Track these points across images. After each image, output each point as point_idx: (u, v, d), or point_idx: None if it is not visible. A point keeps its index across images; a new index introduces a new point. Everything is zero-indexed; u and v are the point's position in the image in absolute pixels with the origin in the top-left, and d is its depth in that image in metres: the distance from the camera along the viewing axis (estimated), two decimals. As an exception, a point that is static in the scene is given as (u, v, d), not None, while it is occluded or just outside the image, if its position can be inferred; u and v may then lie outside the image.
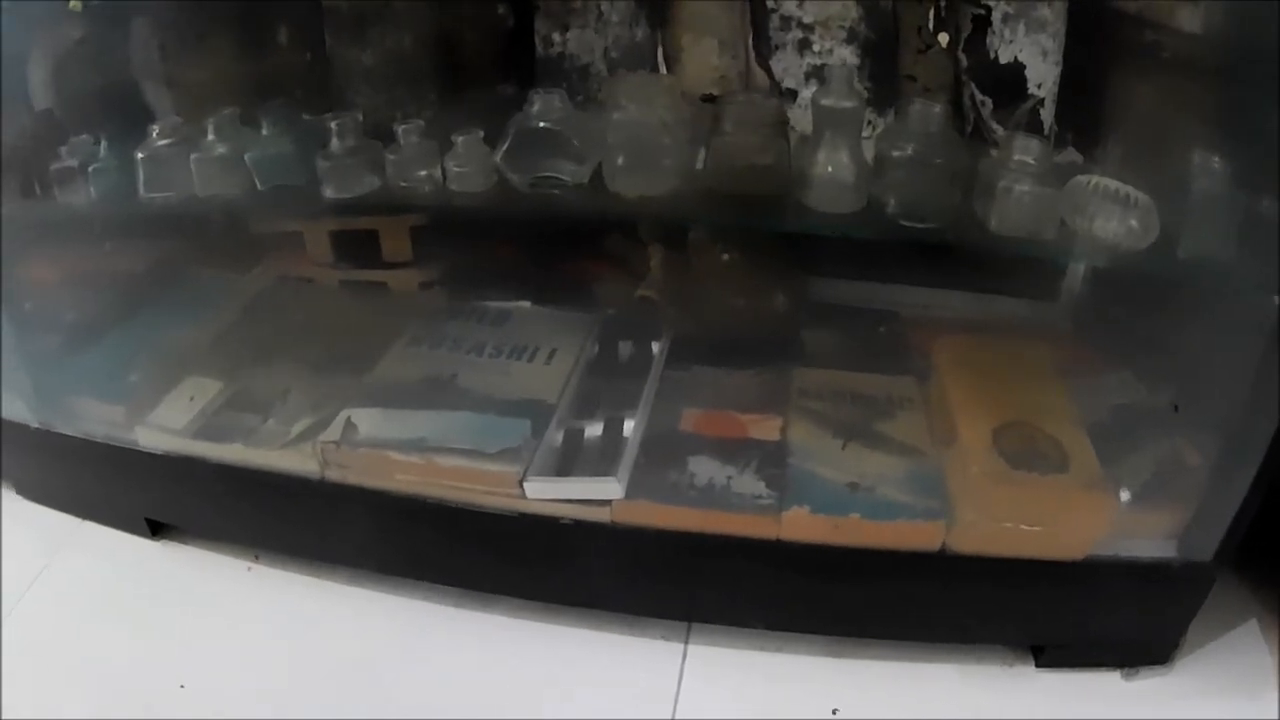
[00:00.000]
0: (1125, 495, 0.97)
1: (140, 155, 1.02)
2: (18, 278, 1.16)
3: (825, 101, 0.88)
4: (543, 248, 1.22)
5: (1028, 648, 1.02)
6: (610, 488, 1.00)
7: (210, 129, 1.01)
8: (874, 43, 0.98)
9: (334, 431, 1.07)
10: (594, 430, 1.08)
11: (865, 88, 0.97)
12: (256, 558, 1.16)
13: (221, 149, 1.00)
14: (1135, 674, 1.00)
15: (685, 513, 0.99)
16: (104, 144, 1.06)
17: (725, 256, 1.18)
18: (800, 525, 0.97)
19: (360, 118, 0.98)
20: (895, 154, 0.88)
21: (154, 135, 1.02)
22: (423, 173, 0.96)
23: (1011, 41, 0.96)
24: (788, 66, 0.99)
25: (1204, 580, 0.96)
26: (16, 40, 1.07)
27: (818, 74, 0.98)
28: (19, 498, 1.27)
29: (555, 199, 0.93)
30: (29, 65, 1.11)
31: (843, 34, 0.97)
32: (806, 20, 0.97)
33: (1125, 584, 0.97)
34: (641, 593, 1.05)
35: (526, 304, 1.27)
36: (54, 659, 1.04)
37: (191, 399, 1.16)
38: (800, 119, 0.95)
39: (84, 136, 1.08)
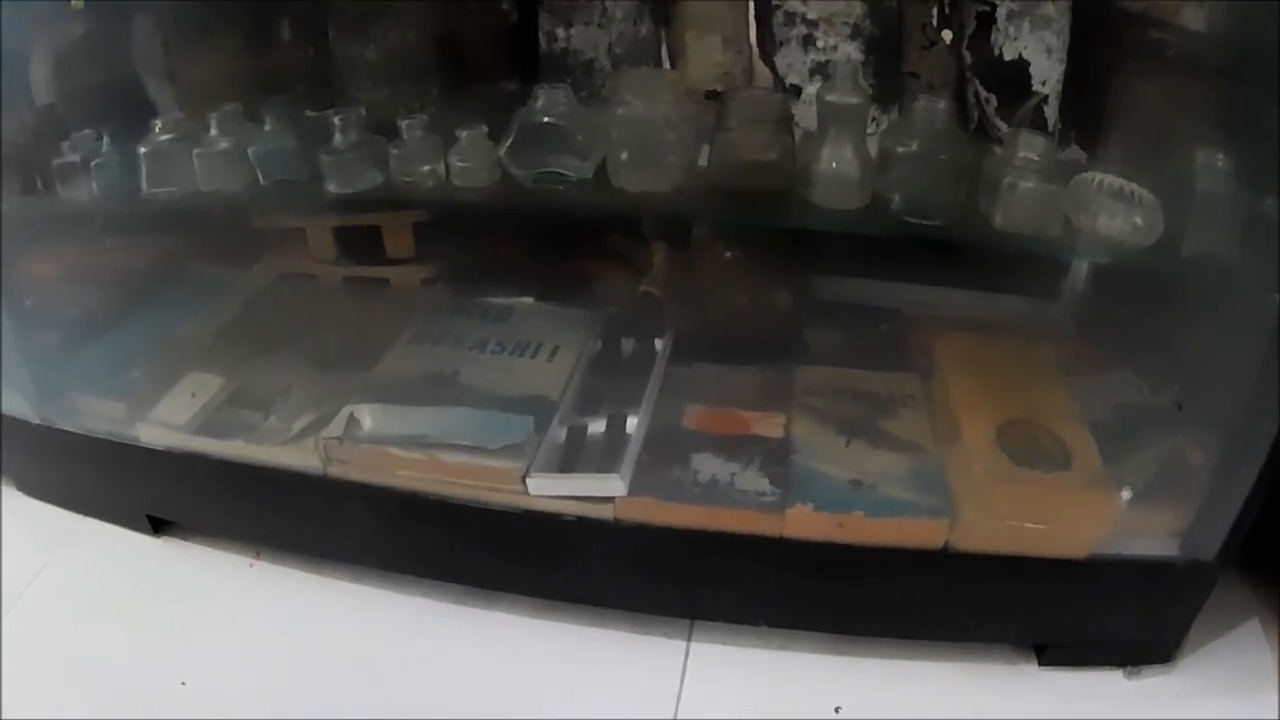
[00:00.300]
0: (1128, 494, 0.97)
1: (143, 150, 1.01)
2: (19, 273, 1.16)
3: (829, 98, 0.88)
4: (546, 244, 1.22)
5: (1030, 646, 1.02)
6: (613, 484, 1.00)
7: (213, 124, 1.00)
8: (878, 39, 0.98)
9: (336, 428, 1.07)
10: (597, 427, 1.08)
11: (869, 84, 0.97)
12: (258, 554, 1.16)
13: (224, 144, 1.00)
14: (1138, 673, 1.00)
15: (688, 510, 0.99)
16: (106, 139, 1.06)
17: (728, 253, 1.18)
18: (803, 523, 0.97)
19: (363, 113, 0.98)
20: (899, 151, 0.88)
21: (157, 130, 1.02)
22: (426, 168, 0.96)
23: (1016, 38, 0.95)
24: (792, 63, 0.99)
25: (1206, 579, 0.96)
26: (19, 36, 1.07)
27: (822, 70, 0.98)
28: (19, 494, 1.26)
29: (559, 195, 0.93)
30: (31, 61, 1.11)
31: (847, 30, 0.97)
32: (811, 16, 0.97)
33: (1128, 583, 0.97)
34: (644, 590, 1.05)
35: (529, 300, 1.27)
36: (54, 656, 1.04)
37: (193, 395, 1.16)
38: (804, 115, 0.95)
39: (86, 132, 1.08)
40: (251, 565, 1.15)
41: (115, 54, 1.11)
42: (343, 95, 1.04)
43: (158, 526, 1.19)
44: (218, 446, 1.10)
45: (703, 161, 0.92)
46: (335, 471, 1.06)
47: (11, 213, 1.10)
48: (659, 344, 1.19)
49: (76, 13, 1.10)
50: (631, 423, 1.07)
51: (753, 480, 1.01)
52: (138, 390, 1.16)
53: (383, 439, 1.06)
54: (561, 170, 0.92)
